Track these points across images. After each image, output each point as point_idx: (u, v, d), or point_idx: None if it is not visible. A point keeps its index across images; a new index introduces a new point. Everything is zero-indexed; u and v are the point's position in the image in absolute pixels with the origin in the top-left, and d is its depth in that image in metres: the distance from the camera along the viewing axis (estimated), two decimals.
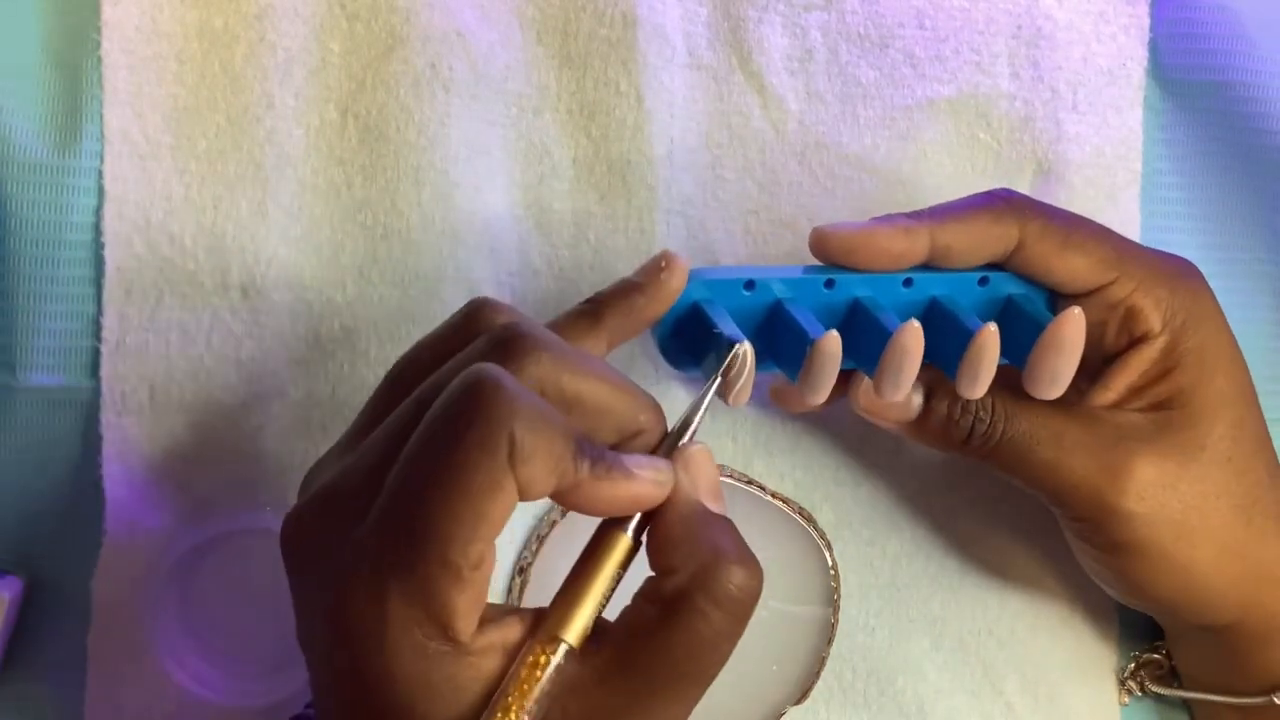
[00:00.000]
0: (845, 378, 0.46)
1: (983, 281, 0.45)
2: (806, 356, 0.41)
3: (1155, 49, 0.53)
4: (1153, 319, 0.45)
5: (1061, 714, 0.53)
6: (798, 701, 0.51)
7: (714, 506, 0.37)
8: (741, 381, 0.40)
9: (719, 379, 0.39)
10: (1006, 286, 0.45)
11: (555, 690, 0.34)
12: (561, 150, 0.50)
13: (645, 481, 0.35)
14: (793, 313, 0.43)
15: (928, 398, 0.45)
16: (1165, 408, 0.45)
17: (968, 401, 0.45)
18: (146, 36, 0.47)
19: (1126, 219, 0.53)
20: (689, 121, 0.51)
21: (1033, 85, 0.52)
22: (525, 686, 0.34)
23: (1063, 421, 0.44)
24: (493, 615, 0.34)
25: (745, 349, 0.39)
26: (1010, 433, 0.44)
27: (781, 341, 0.43)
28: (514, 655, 0.34)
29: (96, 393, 0.47)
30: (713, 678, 0.35)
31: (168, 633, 0.46)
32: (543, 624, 0.35)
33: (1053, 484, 0.45)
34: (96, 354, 0.47)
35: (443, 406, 0.33)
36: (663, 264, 0.40)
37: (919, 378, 0.45)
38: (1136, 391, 0.45)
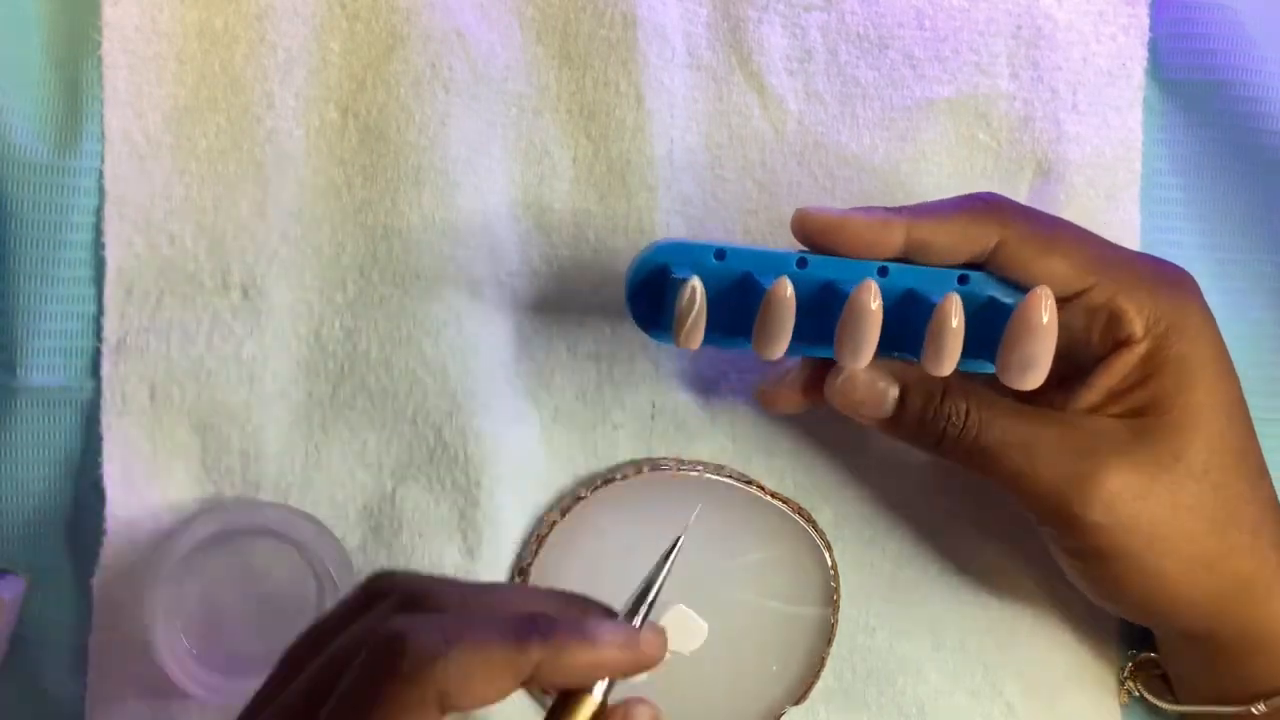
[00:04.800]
0: (823, 375, 0.46)
1: (962, 280, 0.45)
2: (760, 305, 0.41)
3: (1155, 49, 0.53)
4: (1135, 323, 0.44)
5: (1062, 714, 0.52)
6: (798, 701, 0.51)
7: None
8: (692, 317, 0.41)
9: (677, 551, 0.39)
10: (987, 287, 0.45)
11: None
12: (561, 150, 0.50)
13: (609, 646, 0.35)
14: (757, 278, 0.43)
15: (902, 395, 0.45)
16: (1143, 415, 0.45)
17: (940, 403, 0.45)
18: (146, 36, 0.47)
19: (1126, 219, 0.53)
20: (689, 121, 0.51)
21: (1032, 85, 0.52)
22: None
23: (1035, 429, 0.44)
24: None
25: (694, 283, 0.41)
26: (982, 439, 0.44)
27: (748, 309, 0.43)
28: None
29: (96, 393, 0.47)
30: None
31: (168, 633, 0.46)
32: None
33: (1020, 491, 0.45)
34: (96, 354, 0.47)
35: (355, 683, 0.33)
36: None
37: (893, 373, 0.45)
38: (1116, 396, 0.45)
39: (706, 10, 0.51)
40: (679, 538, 0.39)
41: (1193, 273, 0.52)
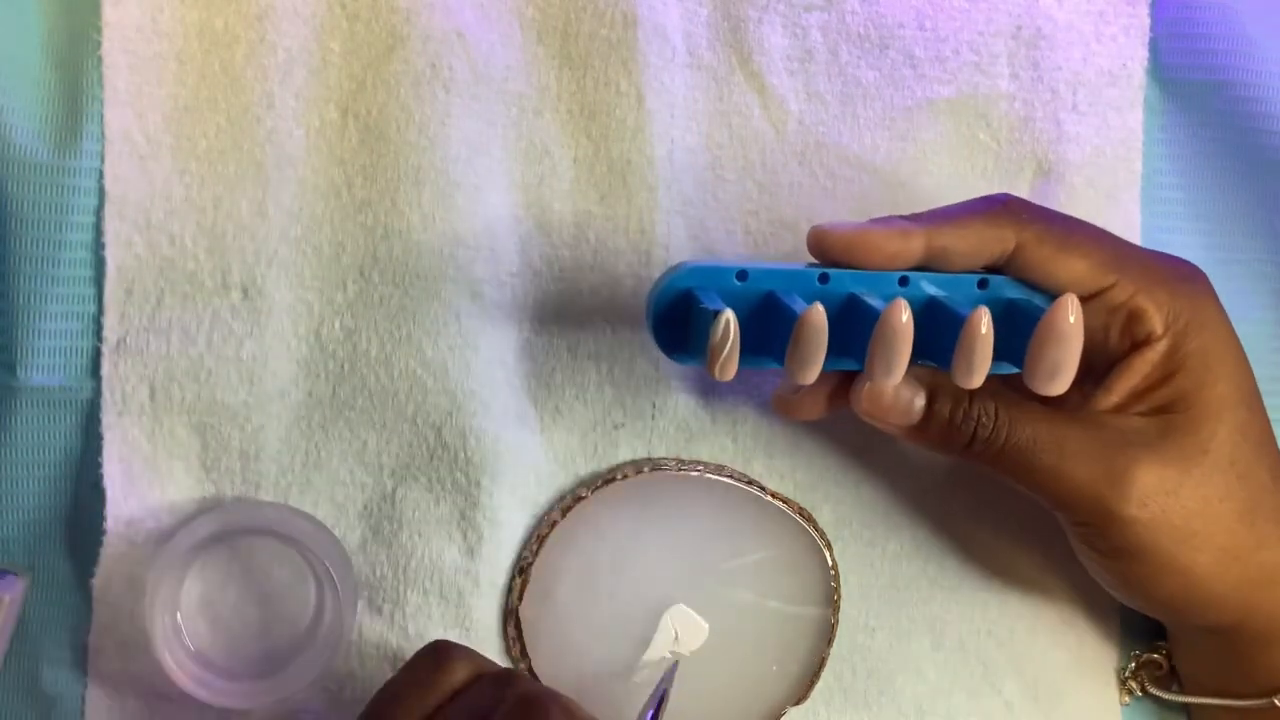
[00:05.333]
0: (847, 383, 0.46)
1: (982, 284, 0.45)
2: (793, 331, 0.41)
3: (1155, 49, 0.53)
4: (1155, 322, 0.44)
5: (1062, 714, 0.53)
6: (798, 701, 0.51)
7: None
8: (726, 352, 0.40)
9: (669, 688, 0.41)
10: (1006, 290, 0.45)
11: None
12: (562, 150, 0.50)
13: None
14: (782, 298, 0.43)
15: (930, 401, 0.45)
16: (1168, 412, 0.45)
17: (970, 406, 0.44)
18: (147, 36, 0.47)
19: (1127, 219, 0.53)
20: (689, 122, 0.51)
21: (1033, 86, 0.52)
22: None
23: (1065, 427, 0.44)
24: None
25: (728, 316, 0.40)
26: (1013, 439, 0.44)
27: (772, 329, 0.43)
28: None
29: (96, 393, 0.47)
30: None
31: (168, 632, 0.46)
32: None
33: (1055, 490, 0.44)
34: (97, 354, 0.47)
35: None
36: None
37: (920, 379, 0.45)
38: (1139, 395, 0.45)
39: (707, 10, 0.51)
40: (668, 682, 0.42)
41: None
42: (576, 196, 0.50)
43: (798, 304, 0.42)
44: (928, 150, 0.52)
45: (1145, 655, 0.52)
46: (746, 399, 0.51)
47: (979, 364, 0.41)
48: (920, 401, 0.45)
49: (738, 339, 0.40)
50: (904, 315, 0.40)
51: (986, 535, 0.52)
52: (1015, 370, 0.43)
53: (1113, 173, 0.53)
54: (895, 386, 0.44)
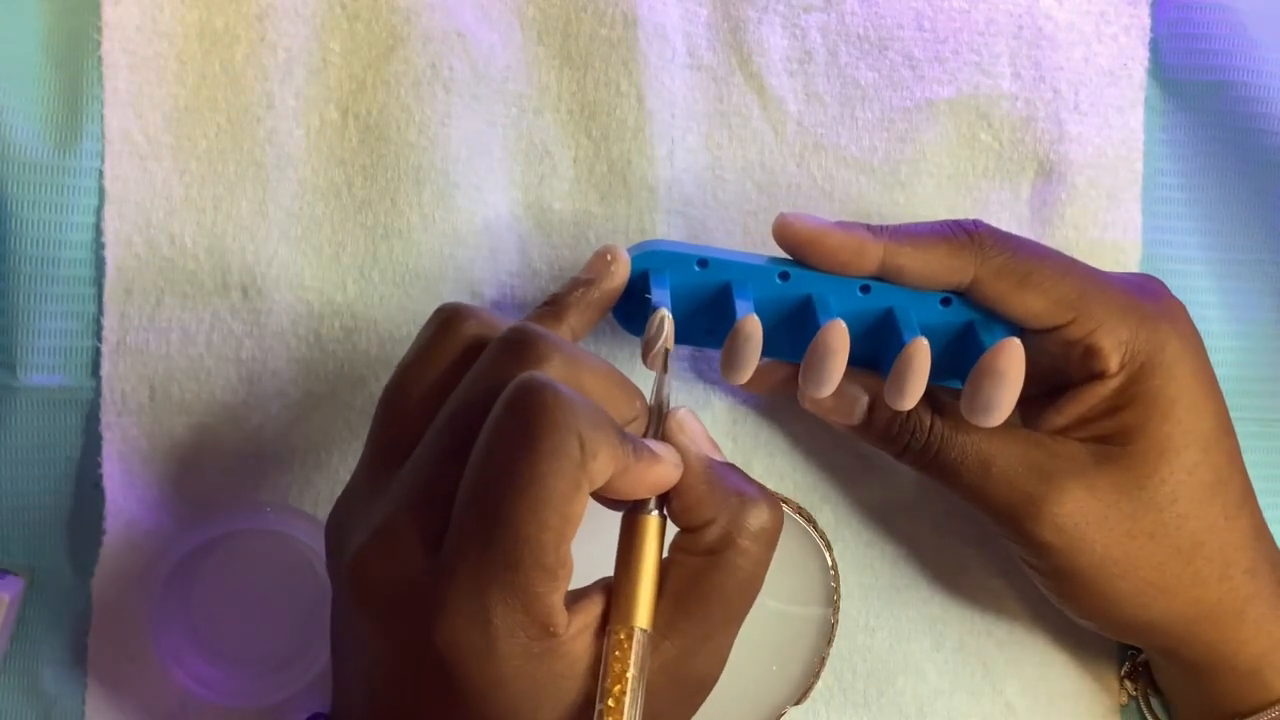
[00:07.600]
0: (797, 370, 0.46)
1: (945, 302, 0.45)
2: (728, 336, 0.42)
3: (1156, 49, 0.53)
4: (1110, 360, 0.44)
5: (1061, 714, 0.53)
6: (798, 702, 0.51)
7: (716, 455, 0.39)
8: (658, 346, 0.42)
9: (670, 363, 0.41)
10: (969, 311, 0.45)
11: (645, 673, 0.36)
12: (562, 150, 0.50)
13: (667, 464, 0.38)
14: (733, 295, 0.44)
15: (871, 404, 0.46)
16: (1109, 443, 0.45)
17: (905, 419, 0.45)
18: (147, 36, 0.47)
19: (1128, 219, 0.53)
20: (689, 122, 0.51)
21: (1034, 85, 0.52)
22: (622, 677, 0.36)
23: (996, 447, 0.45)
24: (569, 600, 0.36)
25: (661, 316, 0.42)
26: (941, 454, 0.45)
27: (719, 322, 0.44)
28: (599, 632, 0.37)
29: (96, 393, 0.47)
30: (751, 605, 0.39)
31: (168, 633, 0.46)
32: (616, 617, 0.37)
33: (978, 506, 0.46)
34: (96, 354, 0.47)
35: (505, 419, 0.35)
36: (608, 257, 0.43)
37: (865, 384, 0.46)
38: (1084, 422, 0.45)
39: (706, 10, 0.51)
40: (667, 353, 0.41)
41: (1194, 273, 0.53)
42: (576, 196, 0.50)
43: (742, 303, 0.43)
44: (927, 151, 0.52)
45: (1142, 656, 0.52)
46: (746, 399, 0.51)
47: (910, 393, 0.42)
48: (864, 403, 0.46)
49: (671, 336, 0.42)
50: (839, 337, 0.42)
51: (986, 535, 0.52)
52: (961, 388, 0.43)
53: (1114, 173, 0.53)
54: (839, 389, 0.45)
